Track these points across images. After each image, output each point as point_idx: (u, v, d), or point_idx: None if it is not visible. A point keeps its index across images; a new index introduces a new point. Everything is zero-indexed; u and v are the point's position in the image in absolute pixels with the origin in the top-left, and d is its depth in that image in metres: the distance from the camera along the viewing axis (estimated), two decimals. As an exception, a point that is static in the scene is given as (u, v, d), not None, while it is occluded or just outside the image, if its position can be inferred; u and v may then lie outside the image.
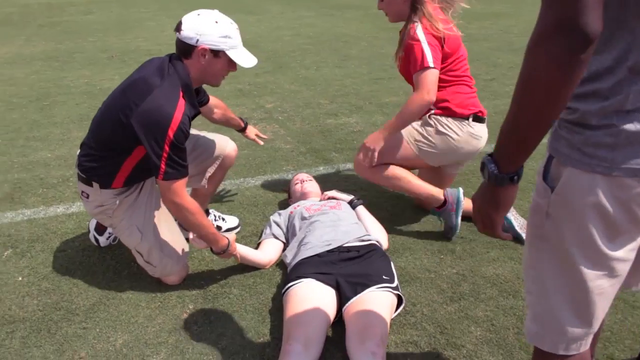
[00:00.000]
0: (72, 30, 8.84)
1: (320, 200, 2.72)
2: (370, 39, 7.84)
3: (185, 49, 2.10)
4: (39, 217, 2.95)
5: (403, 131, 2.63)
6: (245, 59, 2.17)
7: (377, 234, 2.49)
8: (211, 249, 2.27)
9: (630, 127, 0.99)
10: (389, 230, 2.71)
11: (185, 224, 2.21)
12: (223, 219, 2.78)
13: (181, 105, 2.05)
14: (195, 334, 2.08)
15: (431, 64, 2.45)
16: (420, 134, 2.66)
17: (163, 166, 2.03)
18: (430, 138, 2.64)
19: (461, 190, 2.67)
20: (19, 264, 2.53)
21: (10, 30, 8.98)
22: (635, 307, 2.22)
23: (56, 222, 2.90)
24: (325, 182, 3.27)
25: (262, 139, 3.06)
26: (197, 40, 2.06)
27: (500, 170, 1.06)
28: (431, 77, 2.45)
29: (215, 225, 2.47)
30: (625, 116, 1.00)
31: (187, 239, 2.37)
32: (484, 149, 2.74)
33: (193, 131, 2.55)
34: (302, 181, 2.94)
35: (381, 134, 2.54)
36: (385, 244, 2.50)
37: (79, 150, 2.32)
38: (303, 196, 2.82)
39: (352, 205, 2.65)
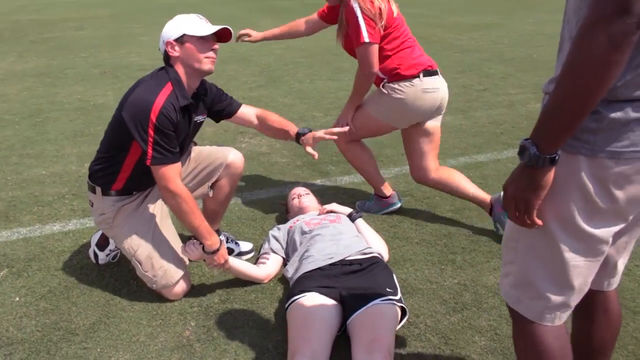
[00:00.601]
0: (64, 46, 8.82)
1: (319, 214, 2.72)
2: (362, 51, 7.87)
3: (165, 57, 2.26)
4: (34, 235, 2.92)
5: (368, 106, 2.89)
6: (203, 28, 2.20)
7: (378, 246, 2.48)
8: (204, 251, 2.24)
9: (612, 114, 1.11)
10: (388, 242, 2.71)
11: (177, 213, 2.23)
12: (236, 243, 2.73)
13: (164, 93, 2.15)
14: (198, 351, 2.05)
15: (367, 39, 2.63)
16: (380, 104, 2.85)
17: (150, 151, 2.12)
18: (389, 104, 2.81)
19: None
20: (16, 283, 2.50)
21: (2, 47, 8.94)
22: (637, 313, 2.23)
23: (52, 240, 2.87)
24: (323, 196, 3.27)
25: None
26: (164, 42, 2.22)
27: (541, 152, 1.10)
28: (369, 51, 2.66)
29: (226, 247, 2.45)
30: (609, 105, 1.11)
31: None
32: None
33: (196, 148, 2.56)
34: (300, 195, 2.92)
35: (347, 107, 2.91)
36: (386, 256, 2.49)
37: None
38: (301, 211, 2.81)
39: (352, 218, 2.64)
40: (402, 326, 2.12)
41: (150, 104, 2.10)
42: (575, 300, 1.30)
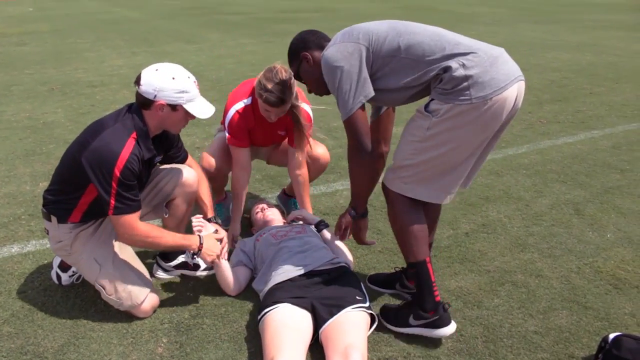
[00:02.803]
0: (6, 62, 8.52)
1: (285, 224, 2.76)
2: (313, 65, 7.97)
3: (145, 102, 2.16)
4: (-9, 258, 2.84)
5: None
6: (201, 110, 2.20)
7: (345, 255, 2.56)
8: (193, 253, 2.33)
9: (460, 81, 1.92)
10: (352, 251, 2.78)
11: (148, 247, 2.29)
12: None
13: (129, 145, 2.11)
14: (173, 367, 2.06)
15: None
16: None
17: (113, 202, 2.11)
18: None
19: None
20: (-24, 309, 2.42)
21: (-63, 65, 8.56)
22: (588, 308, 2.39)
23: (12, 262, 2.79)
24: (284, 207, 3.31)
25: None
26: (155, 96, 2.12)
27: (357, 212, 2.23)
28: None
29: (192, 264, 2.47)
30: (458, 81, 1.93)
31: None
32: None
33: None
34: (264, 209, 2.96)
35: None
36: (352, 265, 2.57)
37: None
38: (266, 224, 2.85)
39: (318, 228, 2.71)
40: (372, 332, 2.20)
41: (115, 157, 2.06)
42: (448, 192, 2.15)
